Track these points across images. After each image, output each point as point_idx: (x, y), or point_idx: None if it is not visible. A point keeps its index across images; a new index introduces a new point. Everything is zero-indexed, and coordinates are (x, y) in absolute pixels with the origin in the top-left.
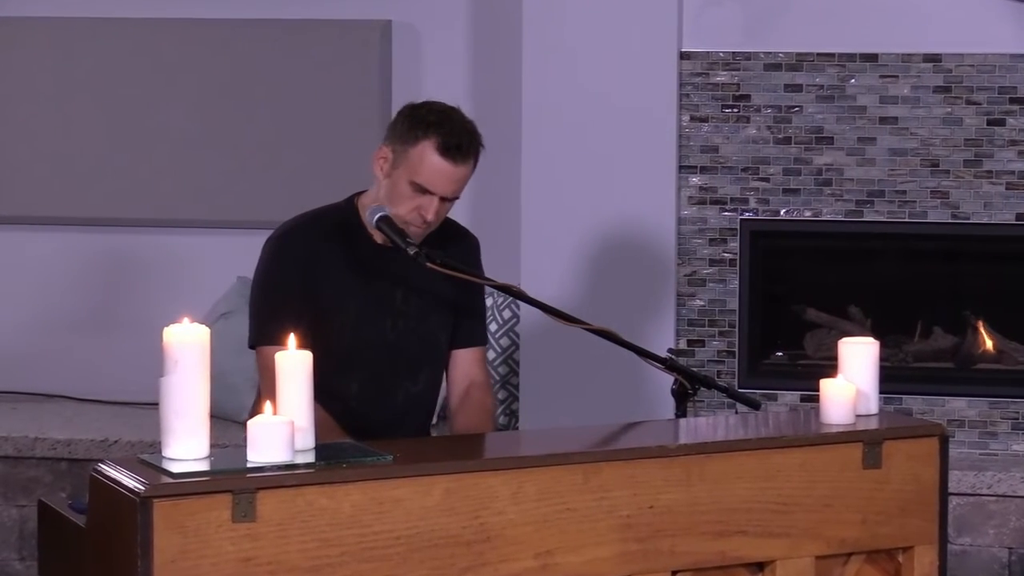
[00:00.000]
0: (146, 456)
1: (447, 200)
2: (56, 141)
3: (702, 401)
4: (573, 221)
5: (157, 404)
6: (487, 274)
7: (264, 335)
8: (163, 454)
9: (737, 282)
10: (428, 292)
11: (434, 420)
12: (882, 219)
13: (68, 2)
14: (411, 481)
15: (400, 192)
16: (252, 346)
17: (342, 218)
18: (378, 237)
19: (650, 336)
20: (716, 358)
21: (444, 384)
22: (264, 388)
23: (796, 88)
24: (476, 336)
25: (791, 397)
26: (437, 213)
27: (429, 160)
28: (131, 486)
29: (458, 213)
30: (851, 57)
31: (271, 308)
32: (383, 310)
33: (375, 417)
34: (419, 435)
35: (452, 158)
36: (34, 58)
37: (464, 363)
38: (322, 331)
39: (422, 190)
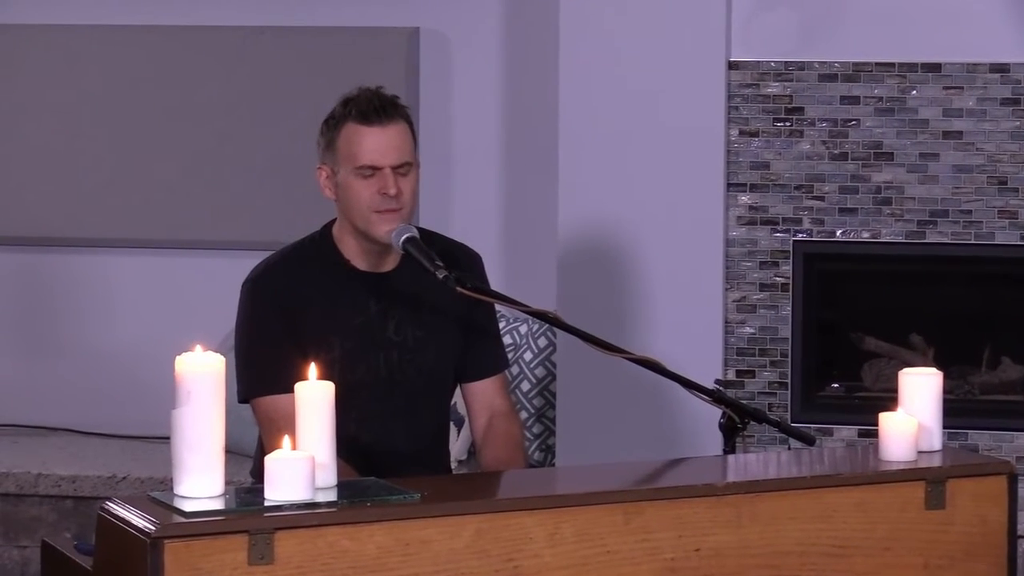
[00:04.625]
0: (157, 494)
1: (400, 173)
2: (62, 155)
3: (752, 436)
4: (613, 242)
5: (168, 438)
6: (521, 299)
7: (259, 385)
8: (175, 491)
9: (790, 308)
10: (429, 319)
11: (464, 456)
12: (946, 241)
13: (75, 9)
14: (440, 521)
15: (353, 188)
16: (245, 399)
17: (319, 249)
18: (360, 263)
19: (696, 366)
20: (767, 390)
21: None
22: (269, 441)
23: (853, 100)
24: (493, 363)
25: (848, 432)
26: (399, 187)
27: (357, 137)
28: (141, 526)
29: (490, 232)
30: (912, 67)
31: (260, 356)
32: (372, 343)
33: (381, 461)
34: (436, 473)
35: (376, 121)
36: (39, 68)
37: (484, 395)
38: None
39: (370, 170)
